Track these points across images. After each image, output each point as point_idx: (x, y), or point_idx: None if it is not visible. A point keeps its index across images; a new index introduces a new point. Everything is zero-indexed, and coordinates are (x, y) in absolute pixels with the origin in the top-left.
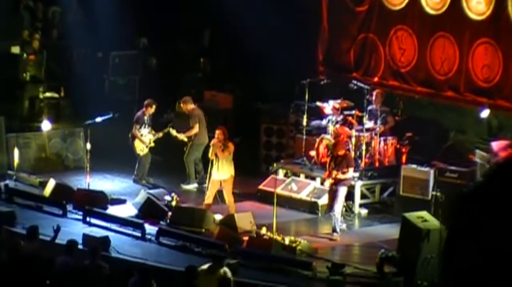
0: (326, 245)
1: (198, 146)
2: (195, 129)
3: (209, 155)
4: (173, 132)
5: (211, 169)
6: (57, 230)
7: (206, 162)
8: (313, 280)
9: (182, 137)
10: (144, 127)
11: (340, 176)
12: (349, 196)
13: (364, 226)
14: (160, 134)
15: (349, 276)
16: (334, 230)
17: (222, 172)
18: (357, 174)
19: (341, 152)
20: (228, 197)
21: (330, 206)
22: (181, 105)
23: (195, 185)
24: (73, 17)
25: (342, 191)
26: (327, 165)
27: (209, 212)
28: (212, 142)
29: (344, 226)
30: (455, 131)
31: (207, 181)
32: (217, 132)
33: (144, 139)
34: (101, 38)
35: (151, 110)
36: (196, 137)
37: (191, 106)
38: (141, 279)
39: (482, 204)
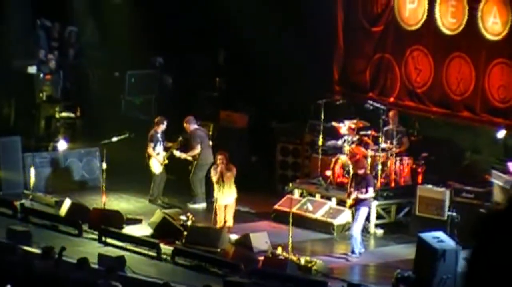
0: (342, 265)
1: (202, 166)
2: (197, 150)
3: (213, 179)
4: (176, 153)
5: (214, 192)
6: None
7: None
8: None
9: (184, 156)
10: (160, 144)
11: (360, 196)
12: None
13: (380, 246)
14: (168, 153)
15: None
16: (352, 252)
17: (228, 195)
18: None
19: (361, 171)
20: (230, 219)
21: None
22: (184, 124)
23: (204, 204)
24: (89, 37)
25: (363, 211)
26: (348, 185)
27: (225, 232)
28: (219, 169)
29: (363, 249)
30: (471, 151)
31: (215, 205)
32: (220, 157)
33: (159, 158)
34: (117, 58)
35: (163, 126)
36: (199, 157)
37: (193, 126)
38: None
39: (505, 226)
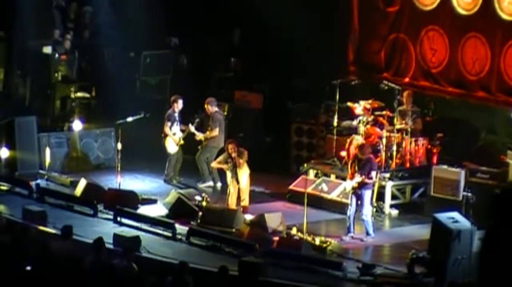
0: (357, 246)
1: (212, 148)
2: (215, 132)
3: (225, 167)
4: (192, 128)
5: (226, 176)
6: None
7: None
8: (344, 280)
9: (200, 136)
10: (176, 124)
11: (366, 180)
12: (380, 197)
13: (394, 226)
14: (185, 133)
15: (379, 277)
16: (367, 233)
17: (242, 179)
18: (387, 175)
19: (366, 156)
20: (247, 198)
21: (355, 211)
22: (206, 105)
23: (211, 183)
24: (104, 17)
25: (367, 194)
26: (349, 167)
27: (240, 212)
28: (233, 156)
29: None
30: (486, 131)
31: (228, 190)
32: (230, 147)
33: (175, 138)
34: (132, 38)
35: (179, 105)
36: (212, 139)
37: (214, 108)
38: (176, 278)
39: None
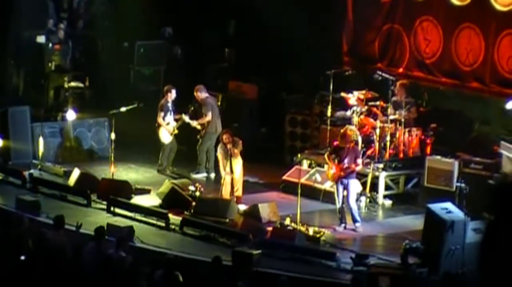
0: (350, 236)
1: (211, 134)
2: (208, 117)
3: (220, 157)
4: (186, 118)
5: (219, 166)
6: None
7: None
8: (337, 270)
9: (194, 124)
10: (170, 114)
11: (354, 167)
12: (374, 187)
13: (388, 217)
14: (178, 122)
15: (373, 267)
16: (355, 221)
17: (236, 169)
18: (381, 165)
19: (350, 144)
20: (240, 188)
21: (343, 200)
22: (195, 93)
23: (204, 174)
24: (98, 7)
25: (354, 183)
26: (328, 158)
27: (233, 202)
28: (228, 147)
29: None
30: (480, 122)
31: (222, 180)
32: (225, 136)
33: (169, 127)
34: (126, 28)
35: (172, 95)
36: (209, 126)
37: (204, 94)
38: (166, 272)
39: None
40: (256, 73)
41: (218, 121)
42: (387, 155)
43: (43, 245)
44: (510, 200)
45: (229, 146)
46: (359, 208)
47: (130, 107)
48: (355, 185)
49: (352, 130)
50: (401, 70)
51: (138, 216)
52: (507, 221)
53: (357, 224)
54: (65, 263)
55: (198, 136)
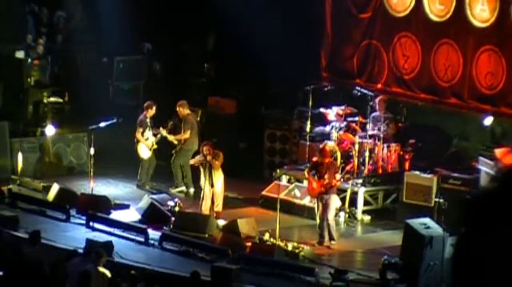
0: (329, 251)
1: (186, 151)
2: (186, 135)
3: (201, 169)
4: (163, 132)
5: (200, 180)
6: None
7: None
8: (316, 286)
9: (171, 138)
10: (148, 130)
11: (337, 183)
12: (352, 203)
13: (367, 232)
14: (157, 137)
15: (352, 283)
16: (331, 238)
17: (216, 182)
18: (360, 181)
19: (328, 160)
20: (220, 204)
21: (323, 216)
22: (178, 108)
23: (183, 188)
24: (77, 22)
25: (334, 198)
26: (307, 174)
27: (212, 217)
28: (207, 159)
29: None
30: (458, 138)
31: (202, 193)
32: (205, 148)
33: (148, 143)
34: (105, 43)
35: (152, 111)
36: (185, 143)
37: (186, 111)
38: (147, 285)
39: (491, 210)
40: (235, 87)
41: (195, 139)
42: (366, 170)
43: (19, 260)
44: (481, 212)
45: (209, 158)
46: (337, 223)
47: (110, 122)
48: (335, 201)
49: (331, 146)
50: (379, 85)
51: (117, 231)
52: (478, 235)
53: (333, 242)
54: (41, 278)
55: (173, 151)
